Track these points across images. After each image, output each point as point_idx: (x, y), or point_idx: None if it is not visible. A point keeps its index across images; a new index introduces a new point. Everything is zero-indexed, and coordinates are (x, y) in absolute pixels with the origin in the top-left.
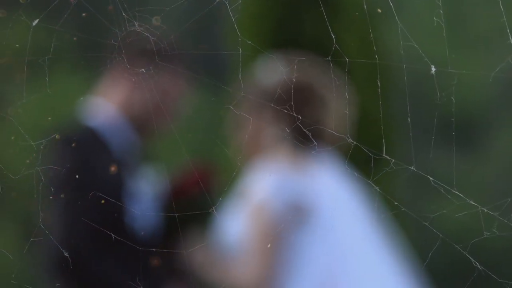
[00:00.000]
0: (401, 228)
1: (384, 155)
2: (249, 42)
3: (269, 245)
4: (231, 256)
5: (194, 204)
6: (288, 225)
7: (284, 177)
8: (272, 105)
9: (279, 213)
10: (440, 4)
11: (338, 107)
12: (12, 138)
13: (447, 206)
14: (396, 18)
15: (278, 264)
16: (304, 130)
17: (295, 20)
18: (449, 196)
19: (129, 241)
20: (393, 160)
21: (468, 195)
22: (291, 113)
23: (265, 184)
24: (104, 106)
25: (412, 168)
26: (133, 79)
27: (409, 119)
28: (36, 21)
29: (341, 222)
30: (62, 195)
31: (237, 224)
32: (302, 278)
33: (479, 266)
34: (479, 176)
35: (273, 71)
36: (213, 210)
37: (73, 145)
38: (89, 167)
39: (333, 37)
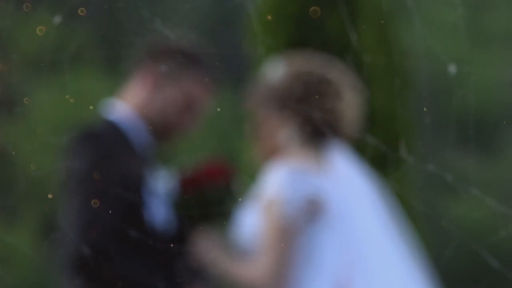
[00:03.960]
0: (418, 226)
1: (402, 154)
2: (269, 41)
3: (282, 242)
4: (245, 251)
5: (210, 197)
6: (302, 220)
7: (298, 172)
8: (293, 104)
9: (292, 207)
10: (460, 4)
11: (355, 104)
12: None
13: (464, 205)
14: (416, 17)
15: (292, 258)
16: (322, 127)
17: (315, 19)
18: (466, 195)
19: (148, 238)
20: (411, 159)
21: (485, 194)
22: (311, 111)
23: (278, 179)
24: (122, 107)
25: (430, 167)
26: (154, 78)
27: (427, 118)
28: (57, 20)
29: (357, 217)
30: (84, 190)
31: (251, 219)
32: (316, 273)
33: (495, 265)
34: (497, 175)
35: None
36: (230, 215)
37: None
38: (111, 159)
39: (353, 36)
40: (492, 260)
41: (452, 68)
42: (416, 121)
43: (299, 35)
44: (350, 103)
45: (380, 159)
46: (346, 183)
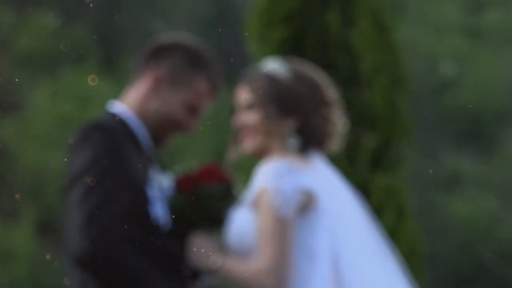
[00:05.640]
0: (417, 226)
1: (401, 153)
2: (268, 41)
3: (277, 232)
4: (240, 249)
5: (205, 196)
6: (295, 210)
7: (288, 165)
8: (296, 107)
9: (283, 197)
10: (460, 4)
11: (341, 116)
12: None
13: (464, 205)
14: (416, 17)
15: (288, 249)
16: (315, 133)
17: (315, 19)
18: (467, 195)
19: (153, 235)
20: (410, 159)
21: (485, 194)
22: (311, 116)
23: (268, 172)
24: (123, 108)
25: (429, 166)
26: (153, 80)
27: (428, 118)
28: (57, 22)
29: (342, 212)
30: (90, 181)
31: (244, 217)
32: (314, 263)
33: (495, 265)
34: (496, 175)
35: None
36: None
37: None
38: (119, 151)
39: (352, 36)
40: (492, 260)
41: (451, 68)
42: (416, 121)
43: (298, 34)
44: (339, 115)
45: (380, 158)
46: (329, 182)
